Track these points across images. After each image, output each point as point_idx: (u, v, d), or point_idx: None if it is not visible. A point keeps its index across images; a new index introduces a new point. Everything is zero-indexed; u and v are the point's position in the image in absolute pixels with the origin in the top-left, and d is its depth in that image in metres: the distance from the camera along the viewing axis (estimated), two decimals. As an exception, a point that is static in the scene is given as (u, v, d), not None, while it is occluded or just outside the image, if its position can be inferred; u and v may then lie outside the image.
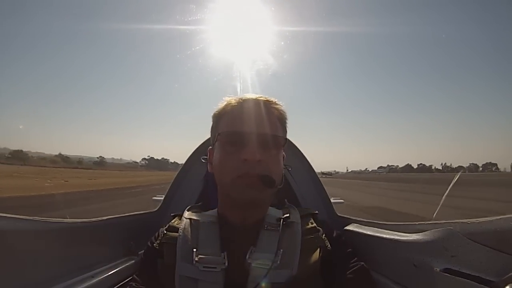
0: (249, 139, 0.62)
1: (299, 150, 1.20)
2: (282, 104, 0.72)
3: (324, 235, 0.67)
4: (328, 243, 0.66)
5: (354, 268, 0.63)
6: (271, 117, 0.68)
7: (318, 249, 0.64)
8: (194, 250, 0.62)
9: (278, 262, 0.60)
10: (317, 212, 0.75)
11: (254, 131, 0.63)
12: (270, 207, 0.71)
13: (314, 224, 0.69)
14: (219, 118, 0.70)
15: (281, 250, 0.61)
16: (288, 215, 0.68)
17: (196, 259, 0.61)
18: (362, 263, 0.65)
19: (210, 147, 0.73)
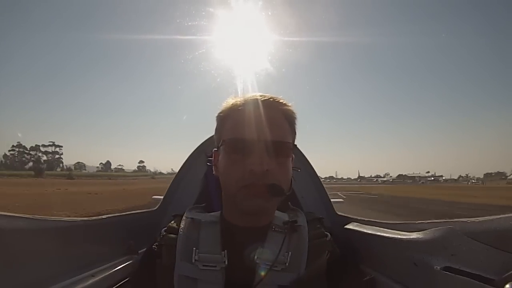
0: (255, 148, 0.58)
1: (298, 148, 1.19)
2: (291, 103, 0.66)
3: (331, 240, 0.66)
4: (336, 248, 0.65)
5: (362, 279, 0.63)
6: (279, 120, 0.63)
7: (325, 254, 0.63)
8: (194, 249, 0.61)
9: (287, 264, 0.59)
10: (323, 217, 0.73)
11: (261, 139, 0.59)
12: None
13: (322, 229, 0.67)
14: (223, 120, 0.66)
15: (289, 252, 0.60)
16: (295, 219, 0.67)
17: (196, 257, 0.59)
18: (373, 276, 0.64)
19: (215, 149, 0.69)
